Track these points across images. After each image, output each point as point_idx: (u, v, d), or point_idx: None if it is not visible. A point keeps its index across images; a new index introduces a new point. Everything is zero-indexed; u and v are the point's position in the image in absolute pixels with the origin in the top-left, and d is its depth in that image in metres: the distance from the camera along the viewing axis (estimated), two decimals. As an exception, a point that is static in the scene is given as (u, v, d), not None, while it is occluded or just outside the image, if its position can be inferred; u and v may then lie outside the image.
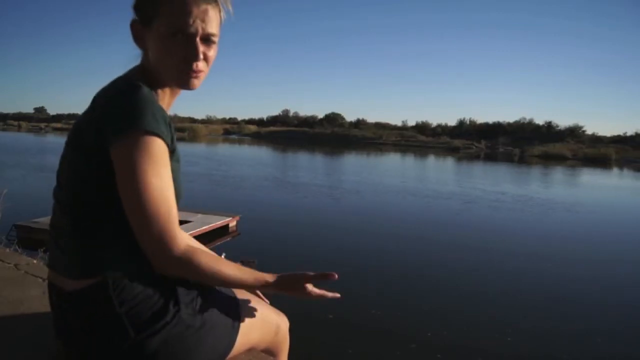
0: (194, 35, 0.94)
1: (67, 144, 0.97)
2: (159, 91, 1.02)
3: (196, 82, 0.99)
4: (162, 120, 0.89)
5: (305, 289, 1.07)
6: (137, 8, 0.98)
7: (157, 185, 0.87)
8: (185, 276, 0.96)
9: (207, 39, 0.97)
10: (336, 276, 1.03)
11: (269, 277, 1.04)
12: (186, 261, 0.90)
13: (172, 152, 0.97)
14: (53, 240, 1.01)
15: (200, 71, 0.98)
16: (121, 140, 0.86)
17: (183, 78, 0.98)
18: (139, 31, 0.99)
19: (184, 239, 0.93)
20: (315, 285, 1.08)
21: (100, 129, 0.88)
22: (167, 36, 0.93)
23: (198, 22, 0.94)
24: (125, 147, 0.86)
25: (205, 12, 0.95)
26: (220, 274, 0.95)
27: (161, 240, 0.88)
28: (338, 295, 1.10)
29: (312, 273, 1.07)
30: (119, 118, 0.86)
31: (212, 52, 1.00)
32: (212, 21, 0.97)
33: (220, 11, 0.99)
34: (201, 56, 0.96)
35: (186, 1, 0.93)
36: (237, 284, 1.01)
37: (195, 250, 0.92)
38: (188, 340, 0.97)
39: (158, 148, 0.88)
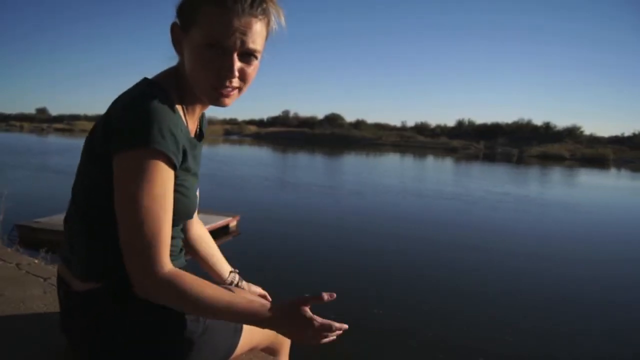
0: (231, 49, 0.86)
1: (84, 144, 0.96)
2: (189, 101, 0.98)
3: (227, 101, 0.92)
4: (170, 136, 0.84)
5: (304, 313, 0.88)
6: (179, 11, 0.91)
7: (145, 205, 0.82)
8: (165, 303, 0.88)
9: (246, 54, 0.89)
10: (334, 295, 0.90)
11: (263, 311, 0.88)
12: (165, 287, 0.84)
13: (186, 167, 0.94)
14: (66, 238, 1.02)
15: (234, 88, 0.91)
16: (121, 154, 0.83)
17: (213, 94, 0.90)
18: (179, 35, 0.92)
19: (167, 265, 0.85)
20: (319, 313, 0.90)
21: (109, 136, 0.86)
22: (203, 47, 0.86)
23: (237, 35, 0.86)
24: (122, 162, 0.83)
25: (248, 25, 0.86)
26: (204, 305, 0.85)
27: (140, 263, 0.83)
28: (346, 326, 0.93)
29: (306, 295, 0.90)
30: (123, 131, 0.83)
31: (251, 70, 0.91)
32: (256, 36, 0.88)
33: (268, 24, 0.91)
34: (236, 73, 0.88)
35: (226, 12, 0.84)
36: (225, 316, 0.89)
37: (179, 275, 0.85)
38: (191, 346, 0.97)
39: (156, 166, 0.83)
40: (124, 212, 0.84)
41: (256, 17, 0.87)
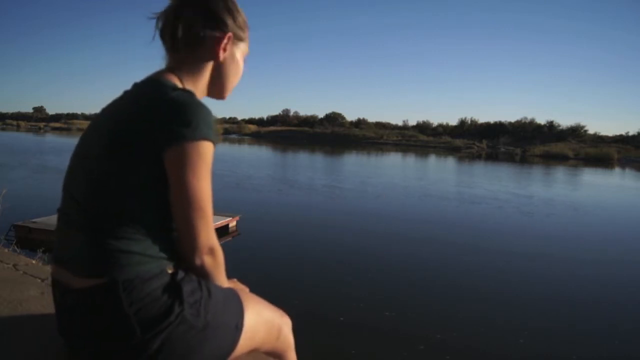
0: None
1: (99, 147, 0.97)
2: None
3: None
4: (215, 130, 0.98)
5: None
6: (237, 26, 1.11)
7: (208, 192, 0.97)
8: (212, 273, 1.05)
9: None
10: None
11: None
12: (218, 258, 1.03)
13: None
14: (63, 237, 1.02)
15: None
16: (183, 146, 0.92)
17: (227, 94, 1.18)
18: (229, 44, 1.11)
19: (217, 240, 1.02)
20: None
21: (157, 136, 0.92)
22: (241, 58, 1.16)
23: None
24: (187, 153, 0.93)
25: None
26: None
27: (204, 239, 0.98)
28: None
29: None
30: (184, 125, 0.92)
31: None
32: None
33: None
34: None
35: (248, 36, 1.17)
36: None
37: (219, 249, 1.03)
38: (191, 340, 0.98)
39: (211, 157, 0.97)
40: (189, 197, 0.94)
41: None
